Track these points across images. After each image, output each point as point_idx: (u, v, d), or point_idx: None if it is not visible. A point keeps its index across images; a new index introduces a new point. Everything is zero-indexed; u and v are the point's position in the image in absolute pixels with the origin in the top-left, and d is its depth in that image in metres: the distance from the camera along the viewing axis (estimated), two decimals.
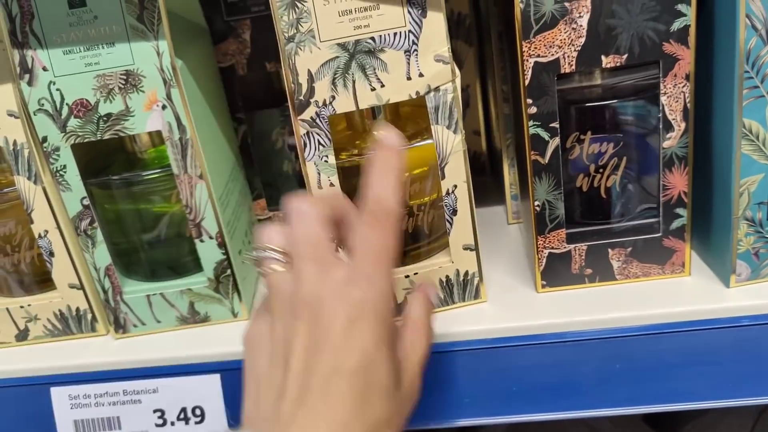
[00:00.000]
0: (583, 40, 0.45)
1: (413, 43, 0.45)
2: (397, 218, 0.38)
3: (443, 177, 0.48)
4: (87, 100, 0.48)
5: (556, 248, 0.51)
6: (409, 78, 0.46)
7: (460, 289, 0.52)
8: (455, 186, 0.49)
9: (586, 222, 0.53)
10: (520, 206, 0.61)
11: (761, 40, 0.43)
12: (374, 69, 0.45)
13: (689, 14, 0.44)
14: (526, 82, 0.46)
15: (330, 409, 0.36)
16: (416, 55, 0.45)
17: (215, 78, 0.58)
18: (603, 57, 0.46)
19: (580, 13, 0.45)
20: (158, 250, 0.56)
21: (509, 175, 0.61)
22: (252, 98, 0.61)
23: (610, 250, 0.51)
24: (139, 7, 0.47)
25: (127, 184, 0.53)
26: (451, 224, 0.50)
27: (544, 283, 0.52)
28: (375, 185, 0.39)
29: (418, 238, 0.53)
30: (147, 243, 0.55)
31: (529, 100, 0.47)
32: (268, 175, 0.64)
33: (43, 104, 0.48)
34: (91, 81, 0.48)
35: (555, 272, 0.52)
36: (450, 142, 0.47)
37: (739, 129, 0.45)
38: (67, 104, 0.48)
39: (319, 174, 0.48)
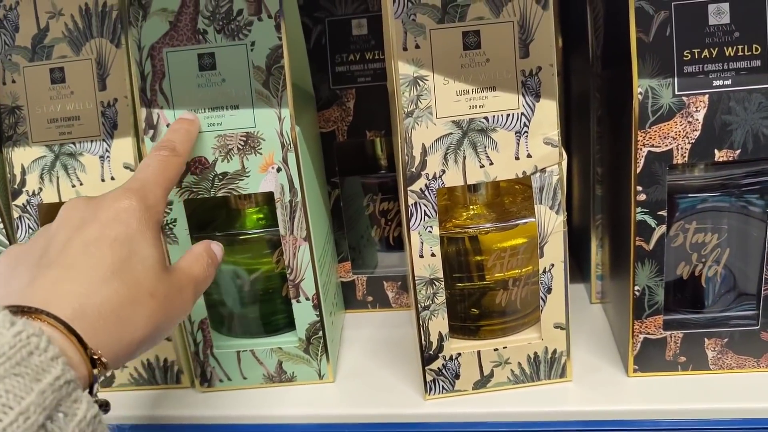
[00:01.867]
0: (698, 133, 0.46)
1: (524, 125, 0.46)
2: (179, 158, 0.45)
3: (542, 255, 0.49)
4: (206, 158, 0.50)
5: (651, 334, 0.51)
6: (517, 158, 0.47)
7: (547, 366, 0.52)
8: (552, 265, 0.49)
9: (683, 309, 0.53)
10: (607, 287, 0.61)
11: None
12: (485, 147, 0.47)
13: None
14: (638, 170, 0.47)
15: (86, 266, 0.35)
16: (526, 136, 0.46)
17: (318, 143, 0.60)
18: (716, 151, 0.46)
19: (697, 107, 0.46)
20: (249, 307, 0.57)
21: (596, 255, 0.62)
22: (348, 164, 0.62)
23: (706, 339, 0.51)
24: (266, 74, 0.49)
25: (230, 240, 0.54)
26: (544, 302, 0.50)
27: (636, 367, 0.52)
28: (168, 134, 0.47)
29: (509, 312, 0.53)
30: (240, 299, 0.56)
31: (639, 188, 0.48)
32: (352, 239, 0.65)
33: None
34: (212, 140, 0.50)
35: (648, 357, 0.52)
36: (552, 222, 0.48)
37: None
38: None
39: (422, 243, 0.49)
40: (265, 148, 0.50)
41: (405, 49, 0.45)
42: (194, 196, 0.51)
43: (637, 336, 0.51)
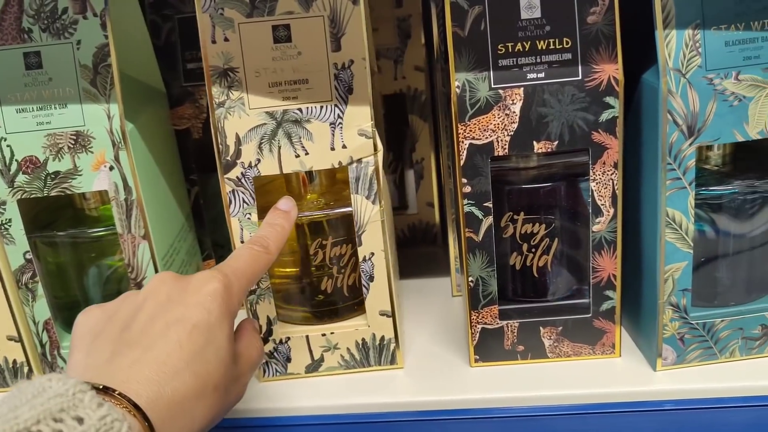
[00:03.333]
0: (516, 125, 0.47)
1: (338, 116, 0.47)
2: (269, 255, 0.45)
3: (360, 244, 0.50)
4: (36, 157, 0.50)
5: (489, 324, 0.52)
6: (332, 148, 0.48)
7: (376, 353, 0.53)
8: (372, 254, 0.50)
9: (519, 299, 0.53)
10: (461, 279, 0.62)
11: (682, 134, 0.45)
12: (300, 137, 0.47)
13: (617, 106, 0.46)
14: (461, 162, 0.48)
15: (163, 352, 0.37)
16: (341, 127, 0.47)
17: (169, 140, 0.60)
18: (535, 142, 0.47)
19: (513, 100, 0.47)
20: None
21: (454, 248, 0.63)
22: (205, 161, 0.62)
23: (541, 328, 0.52)
24: (93, 72, 0.49)
25: (72, 240, 0.54)
26: (367, 289, 0.51)
27: (477, 357, 0.53)
28: (261, 230, 0.47)
29: (337, 298, 0.54)
30: (89, 299, 0.56)
31: (464, 180, 0.48)
32: (218, 236, 0.65)
33: None
34: (42, 139, 0.49)
35: (488, 347, 0.53)
36: (368, 211, 0.49)
37: (663, 218, 0.47)
38: (16, 160, 0.50)
39: (242, 229, 0.50)
40: (96, 146, 0.49)
41: (214, 41, 0.46)
42: (27, 195, 0.50)
43: (476, 326, 0.52)
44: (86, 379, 0.34)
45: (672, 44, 0.44)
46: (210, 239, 0.64)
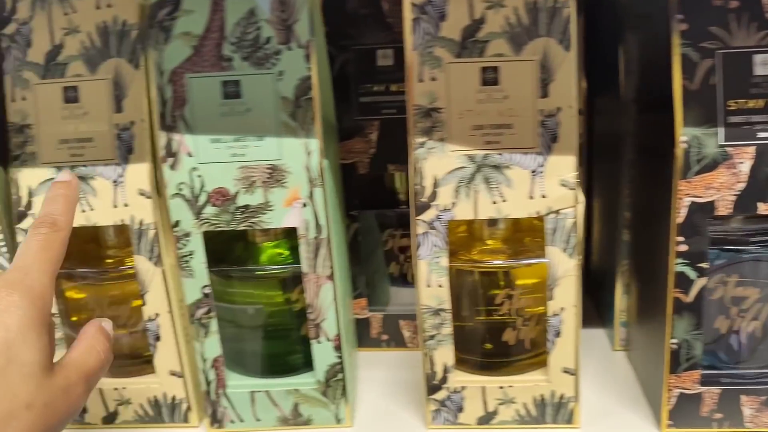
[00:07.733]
0: (743, 185, 0.44)
1: (540, 164, 0.45)
2: (61, 232, 0.39)
3: (551, 298, 0.47)
4: (227, 189, 0.48)
5: (688, 389, 0.49)
6: (531, 197, 0.46)
7: (553, 410, 0.50)
8: (563, 309, 0.48)
9: (720, 365, 0.50)
10: (634, 335, 0.59)
11: None
12: (498, 183, 0.45)
13: None
14: (680, 219, 0.45)
15: None
16: (542, 176, 0.45)
17: (338, 175, 0.57)
18: (760, 203, 0.45)
19: (741, 159, 0.44)
20: (264, 345, 0.54)
21: (620, 301, 0.60)
22: (368, 197, 0.60)
23: (743, 396, 0.49)
24: (293, 105, 0.47)
25: (247, 275, 0.52)
26: (553, 345, 0.49)
27: (671, 422, 0.50)
28: (45, 206, 0.41)
29: (518, 350, 0.52)
30: (254, 337, 0.54)
31: (680, 238, 0.46)
32: (370, 275, 0.62)
33: (181, 189, 0.48)
34: (235, 171, 0.48)
35: (683, 413, 0.49)
36: (563, 265, 0.47)
37: None
38: (205, 191, 0.48)
39: (429, 273, 0.48)
40: (291, 181, 0.48)
41: (421, 80, 0.45)
42: (214, 228, 0.49)
43: (673, 390, 0.49)
44: None
45: None
46: (365, 278, 0.62)
